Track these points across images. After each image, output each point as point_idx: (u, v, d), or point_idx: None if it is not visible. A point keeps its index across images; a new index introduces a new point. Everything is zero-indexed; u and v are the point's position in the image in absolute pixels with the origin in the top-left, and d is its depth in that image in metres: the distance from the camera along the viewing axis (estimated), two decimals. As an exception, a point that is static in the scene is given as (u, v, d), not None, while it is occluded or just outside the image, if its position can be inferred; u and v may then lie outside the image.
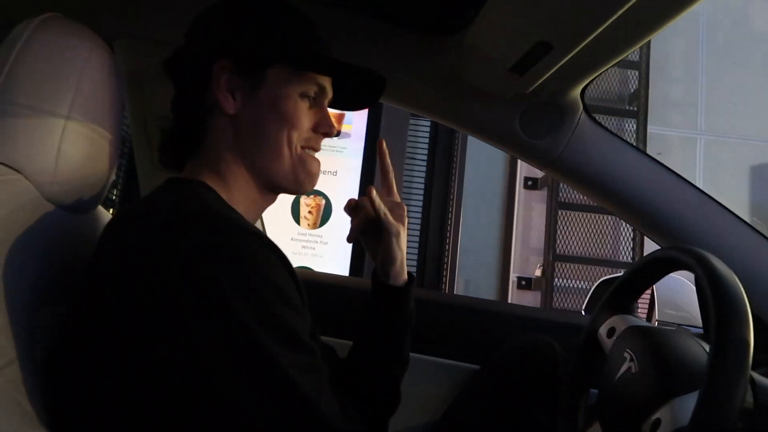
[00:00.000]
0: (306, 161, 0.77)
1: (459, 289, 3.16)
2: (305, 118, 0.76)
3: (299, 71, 0.76)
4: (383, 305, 0.82)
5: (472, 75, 0.99)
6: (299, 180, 0.77)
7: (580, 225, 3.20)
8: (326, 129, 0.79)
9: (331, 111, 0.83)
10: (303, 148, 0.77)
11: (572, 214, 3.18)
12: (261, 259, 0.62)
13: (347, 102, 0.86)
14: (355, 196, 0.91)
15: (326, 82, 0.79)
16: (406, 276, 0.83)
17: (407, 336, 0.83)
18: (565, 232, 3.18)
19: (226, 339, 0.57)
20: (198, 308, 0.57)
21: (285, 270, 0.65)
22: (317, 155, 0.80)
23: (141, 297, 0.58)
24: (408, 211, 0.85)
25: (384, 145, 0.86)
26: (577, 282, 3.15)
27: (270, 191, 0.78)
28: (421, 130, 3.28)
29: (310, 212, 2.96)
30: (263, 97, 0.75)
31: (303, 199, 2.96)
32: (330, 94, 0.81)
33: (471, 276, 3.24)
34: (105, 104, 0.74)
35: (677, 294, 1.13)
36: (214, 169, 0.75)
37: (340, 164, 3.00)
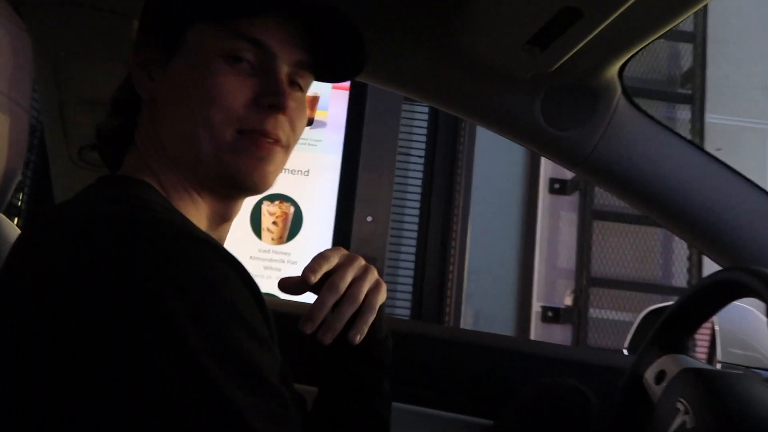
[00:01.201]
0: (240, 148, 0.74)
1: (467, 322, 3.17)
2: (233, 89, 0.73)
3: (219, 23, 0.73)
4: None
5: (481, 49, 1.00)
6: (231, 175, 0.74)
7: (620, 240, 3.22)
8: (270, 100, 0.74)
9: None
10: (241, 132, 0.74)
11: (611, 226, 3.21)
12: (218, 277, 0.62)
13: (320, 70, 0.82)
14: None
15: (267, 35, 0.75)
16: None
17: (389, 362, 0.85)
18: (602, 249, 3.20)
19: (174, 377, 0.57)
20: (140, 338, 0.57)
21: (249, 293, 0.65)
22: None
23: (72, 325, 0.58)
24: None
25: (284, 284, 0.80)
26: (618, 313, 3.17)
27: (212, 193, 0.78)
28: (417, 117, 3.30)
29: (274, 223, 2.95)
30: (176, 68, 0.75)
31: (265, 207, 2.94)
32: (283, 55, 0.76)
33: (482, 305, 3.24)
34: (10, 84, 0.73)
35: (744, 328, 1.14)
36: (149, 166, 0.76)
37: (313, 161, 3.00)
